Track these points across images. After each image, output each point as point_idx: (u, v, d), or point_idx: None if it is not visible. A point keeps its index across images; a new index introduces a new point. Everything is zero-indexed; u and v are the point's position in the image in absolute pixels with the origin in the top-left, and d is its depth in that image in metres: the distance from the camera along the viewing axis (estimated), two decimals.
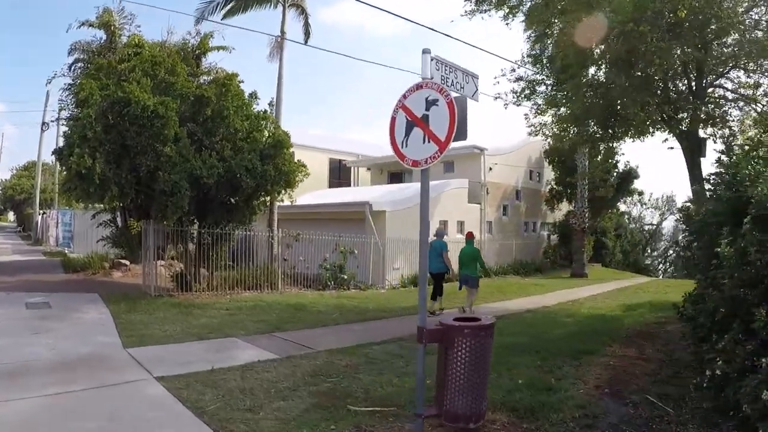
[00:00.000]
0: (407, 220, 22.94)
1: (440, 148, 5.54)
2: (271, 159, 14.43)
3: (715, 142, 16.79)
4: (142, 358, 8.00)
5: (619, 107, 14.87)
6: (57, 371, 7.16)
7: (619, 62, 13.75)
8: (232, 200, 14.97)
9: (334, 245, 18.85)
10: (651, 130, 16.39)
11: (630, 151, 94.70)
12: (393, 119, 5.89)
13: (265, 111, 15.70)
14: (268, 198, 16.07)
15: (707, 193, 7.61)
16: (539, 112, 18.46)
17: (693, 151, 16.31)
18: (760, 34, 13.50)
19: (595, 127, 17.16)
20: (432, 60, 5.73)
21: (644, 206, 44.30)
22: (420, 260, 5.85)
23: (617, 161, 33.62)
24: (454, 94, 5.52)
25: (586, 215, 31.18)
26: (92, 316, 11.35)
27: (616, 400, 6.65)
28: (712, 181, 6.82)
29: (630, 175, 34.09)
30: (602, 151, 18.34)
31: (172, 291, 14.55)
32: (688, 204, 8.18)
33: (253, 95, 15.37)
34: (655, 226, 47.18)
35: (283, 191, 15.26)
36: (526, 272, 29.39)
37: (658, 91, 15.00)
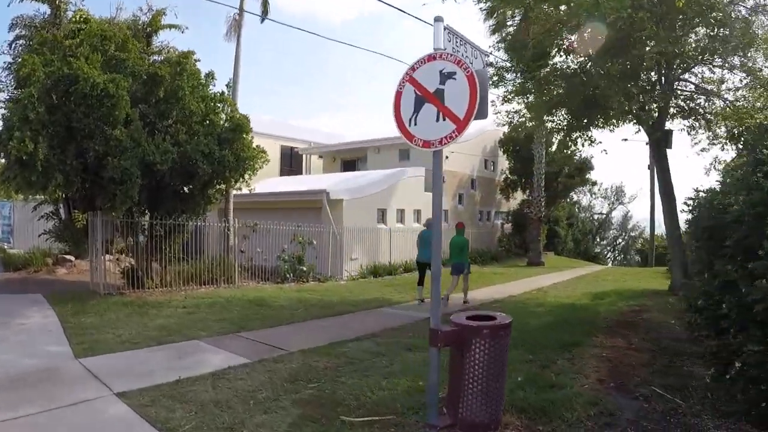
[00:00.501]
0: (364, 209, 22.30)
1: (458, 128, 4.88)
2: (229, 144, 13.46)
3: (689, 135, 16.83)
4: (98, 369, 7.07)
5: (598, 96, 14.47)
6: None
7: (611, 50, 13.25)
8: (186, 189, 14.00)
9: (292, 236, 17.98)
10: (624, 120, 16.09)
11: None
12: (398, 94, 5.18)
13: (222, 92, 14.67)
14: (224, 186, 15.10)
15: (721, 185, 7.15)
16: (506, 99, 17.96)
17: (659, 142, 16.20)
18: (727, 31, 13.36)
19: (567, 116, 16.83)
20: (444, 30, 5.03)
21: (593, 196, 44.78)
22: (433, 256, 5.15)
23: (573, 151, 33.68)
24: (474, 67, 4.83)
25: (542, 204, 31.06)
26: (37, 321, 10.28)
27: (625, 394, 6.34)
28: (742, 172, 6.34)
29: (585, 165, 34.19)
30: (576, 141, 17.75)
31: (123, 288, 13.46)
32: (700, 194, 7.69)
33: (210, 75, 14.32)
34: (604, 216, 47.77)
35: (241, 179, 14.29)
36: (483, 261, 29.06)
37: (640, 81, 14.68)
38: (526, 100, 17.25)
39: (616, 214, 48.23)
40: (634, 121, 16.40)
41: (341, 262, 20.23)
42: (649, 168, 32.86)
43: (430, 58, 4.95)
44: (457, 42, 5.24)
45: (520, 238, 33.94)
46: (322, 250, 19.25)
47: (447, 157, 28.52)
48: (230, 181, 14.14)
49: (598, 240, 45.50)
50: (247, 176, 14.30)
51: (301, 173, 33.85)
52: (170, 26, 15.43)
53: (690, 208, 8.45)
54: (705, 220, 6.54)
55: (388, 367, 7.59)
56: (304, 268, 17.91)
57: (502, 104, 18.51)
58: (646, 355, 8.29)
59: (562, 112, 17.10)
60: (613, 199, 47.65)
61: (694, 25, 13.33)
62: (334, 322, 11.40)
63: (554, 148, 32.47)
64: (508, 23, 17.19)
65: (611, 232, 47.43)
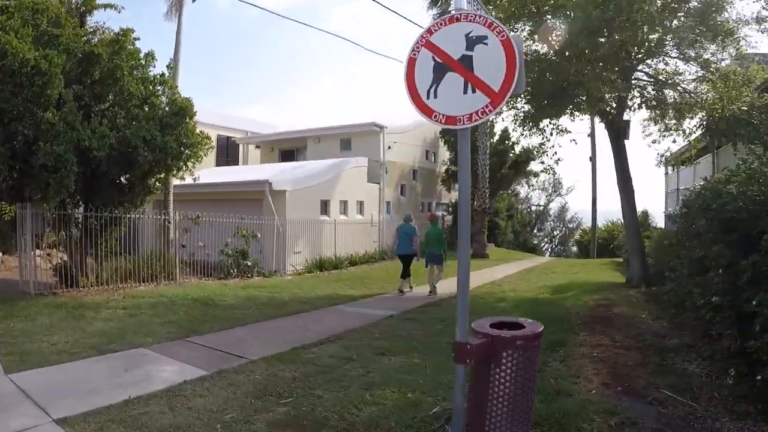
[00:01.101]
0: (307, 201, 21.44)
1: (493, 102, 4.16)
2: (172, 129, 12.35)
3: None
4: (31, 388, 6.02)
5: (570, 83, 14.01)
6: None
7: (594, 34, 12.71)
8: (123, 178, 12.80)
9: (236, 229, 16.94)
10: (595, 108, 15.67)
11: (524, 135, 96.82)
12: (411, 61, 4.44)
13: (163, 74, 13.47)
14: (165, 176, 13.95)
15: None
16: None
17: (618, 133, 15.97)
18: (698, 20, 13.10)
19: (533, 104, 16.37)
20: None
21: (531, 188, 45.07)
22: (459, 255, 4.40)
23: (514, 142, 33.60)
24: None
25: (487, 195, 30.81)
26: None
27: (636, 399, 5.90)
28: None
29: (528, 156, 34.19)
30: (544, 130, 17.30)
31: (56, 287, 12.19)
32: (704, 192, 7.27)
33: (150, 56, 13.05)
34: (542, 207, 48.24)
35: (184, 167, 13.18)
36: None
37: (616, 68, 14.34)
38: None
39: (554, 206, 48.97)
40: (596, 111, 16.06)
41: (284, 255, 19.29)
42: (590, 160, 33.15)
43: (452, 19, 4.24)
44: (475, 6, 4.52)
45: None
46: (266, 244, 18.27)
47: (389, 147, 28.03)
48: (173, 169, 13.02)
49: (535, 231, 45.92)
50: (190, 164, 13.20)
51: (237, 164, 32.46)
52: (105, 6, 14.08)
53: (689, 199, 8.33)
54: (721, 212, 6.03)
55: (364, 375, 6.87)
56: (249, 263, 16.91)
57: None
58: (636, 354, 7.87)
59: (524, 101, 16.63)
60: (550, 191, 48.28)
61: (672, 10, 12.93)
62: (291, 322, 10.56)
63: (496, 138, 32.32)
64: None
65: (548, 223, 47.90)
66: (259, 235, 17.57)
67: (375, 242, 25.96)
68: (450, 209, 35.12)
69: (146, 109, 12.39)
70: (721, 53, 13.83)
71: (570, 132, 18.07)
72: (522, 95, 15.86)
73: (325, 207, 23.04)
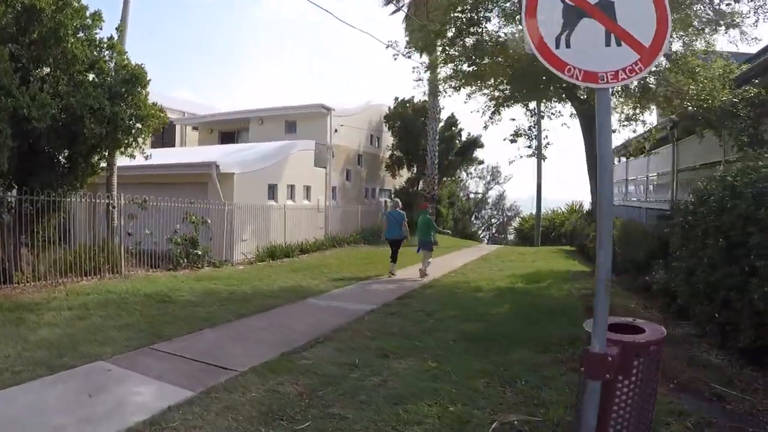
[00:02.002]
0: (255, 185, 19.92)
1: (643, 59, 3.11)
2: (123, 99, 10.65)
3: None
4: None
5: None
6: None
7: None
8: (63, 157, 11.02)
9: (184, 214, 15.28)
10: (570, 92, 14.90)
11: (467, 122, 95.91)
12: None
13: (111, 37, 11.63)
14: (112, 153, 12.16)
15: None
16: (429, 68, 16.44)
17: (591, 122, 15.37)
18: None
19: (504, 87, 15.56)
20: None
21: (469, 176, 44.50)
22: (599, 255, 3.26)
23: (461, 129, 32.85)
24: None
25: (436, 182, 29.84)
26: None
27: (694, 395, 5.51)
28: None
29: (475, 143, 33.44)
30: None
31: None
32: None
33: (97, 16, 11.13)
34: (480, 195, 47.83)
35: (135, 143, 11.47)
36: (374, 240, 27.39)
37: None
38: (458, 68, 15.73)
39: (492, 194, 48.66)
40: (565, 95, 15.42)
41: (232, 243, 17.71)
42: (536, 148, 32.53)
43: None
44: None
45: (407, 216, 32.60)
46: (215, 231, 16.65)
47: (336, 131, 26.69)
48: (121, 145, 11.29)
49: (473, 219, 45.51)
50: (141, 140, 11.51)
51: (174, 146, 30.16)
52: None
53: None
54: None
55: (382, 386, 5.81)
56: (199, 252, 15.30)
57: (426, 71, 16.94)
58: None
59: (494, 83, 15.81)
60: (488, 179, 47.94)
61: None
62: (265, 321, 9.23)
63: (441, 125, 31.40)
64: None
65: (486, 211, 47.63)
66: (209, 221, 15.96)
67: (321, 229, 24.57)
68: (393, 195, 34.00)
69: (93, 75, 10.59)
70: (689, 47, 13.55)
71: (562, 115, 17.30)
72: (501, 77, 15.12)
73: (272, 192, 21.53)
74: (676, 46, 13.55)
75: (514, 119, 18.41)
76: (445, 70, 16.60)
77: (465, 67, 15.79)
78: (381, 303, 11.05)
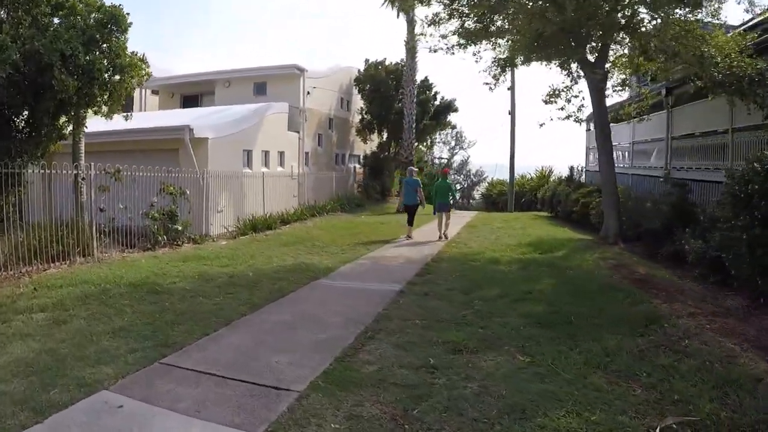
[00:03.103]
0: (230, 150, 17.89)
1: None
2: (99, 45, 8.40)
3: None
4: None
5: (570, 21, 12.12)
6: None
7: None
8: (20, 119, 8.75)
9: (160, 185, 13.09)
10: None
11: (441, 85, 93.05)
12: None
13: None
14: (83, 112, 9.85)
15: None
16: (432, 23, 14.75)
17: (600, 95, 14.75)
18: None
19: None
20: None
21: (434, 142, 42.41)
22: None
23: (436, 93, 30.94)
24: None
25: (413, 147, 28.00)
26: None
27: None
28: None
29: (449, 107, 31.62)
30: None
31: None
32: None
33: None
34: (446, 160, 46.07)
35: (112, 100, 9.25)
36: (350, 208, 25.51)
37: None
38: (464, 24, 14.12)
39: (457, 159, 46.86)
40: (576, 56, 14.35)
41: (206, 214, 15.59)
42: (509, 114, 30.96)
43: None
44: None
45: (379, 182, 30.71)
46: (194, 203, 14.49)
47: (309, 93, 24.49)
48: (97, 102, 9.05)
49: None
50: (120, 96, 9.31)
51: (131, 111, 27.14)
52: None
53: None
54: None
55: (486, 393, 4.73)
56: (179, 227, 13.16)
57: (429, 26, 15.08)
58: (735, 321, 6.94)
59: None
60: (452, 144, 46.14)
61: None
62: (286, 312, 7.44)
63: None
64: None
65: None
66: (188, 192, 13.80)
67: (295, 197, 22.51)
68: (365, 161, 32.05)
69: (62, 15, 8.28)
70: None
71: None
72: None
73: (247, 158, 19.39)
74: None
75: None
76: (446, 27, 14.92)
77: (470, 23, 14.28)
78: (403, 281, 9.64)
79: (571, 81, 15.13)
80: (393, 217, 23.13)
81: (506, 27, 13.90)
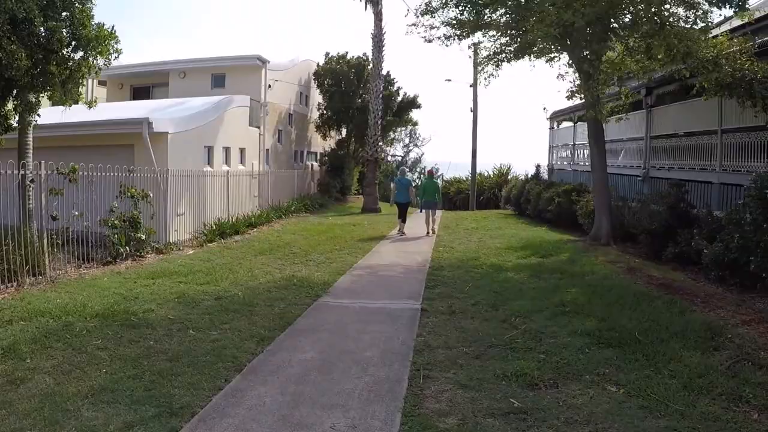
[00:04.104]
0: (191, 146, 16.00)
1: None
2: (59, 12, 6.50)
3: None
4: None
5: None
6: None
7: None
8: None
9: (120, 186, 11.14)
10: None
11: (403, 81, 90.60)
12: None
13: None
14: (36, 96, 7.85)
15: None
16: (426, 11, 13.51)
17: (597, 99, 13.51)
18: None
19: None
20: None
21: (395, 138, 40.94)
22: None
23: (399, 88, 29.52)
24: None
25: (379, 144, 26.45)
26: None
27: None
28: None
29: (412, 103, 30.21)
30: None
31: None
32: None
33: None
34: (401, 158, 44.71)
35: (72, 82, 7.34)
36: (313, 208, 23.77)
37: None
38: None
39: (410, 156, 45.47)
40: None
41: (166, 219, 13.65)
42: (471, 111, 29.74)
43: None
44: None
45: (339, 181, 28.99)
46: (157, 207, 12.55)
47: (270, 86, 22.64)
48: (55, 83, 7.11)
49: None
50: (79, 77, 7.39)
51: (76, 103, 24.53)
52: None
53: None
54: None
55: None
56: (142, 236, 11.22)
57: (420, 16, 13.72)
58: None
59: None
60: (407, 142, 44.73)
61: None
62: (306, 348, 5.85)
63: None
64: None
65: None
66: (151, 195, 11.87)
67: (256, 197, 20.64)
68: (326, 158, 30.29)
69: None
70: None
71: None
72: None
73: (208, 155, 17.48)
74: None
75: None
76: (445, 14, 13.62)
77: (466, 15, 13.09)
78: (417, 296, 8.48)
79: (581, 78, 13.86)
80: (360, 218, 21.60)
81: (514, 19, 12.64)
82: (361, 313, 7.37)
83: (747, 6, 10.93)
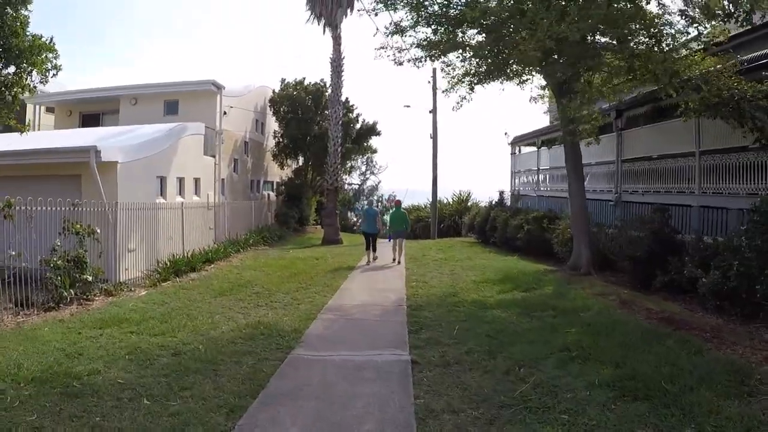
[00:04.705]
0: (143, 177, 14.89)
1: None
2: None
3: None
4: None
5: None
6: None
7: None
8: None
9: (63, 222, 9.95)
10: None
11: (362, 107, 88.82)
12: None
13: None
14: None
15: None
16: (397, 31, 12.89)
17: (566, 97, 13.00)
18: None
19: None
20: None
21: (353, 166, 40.05)
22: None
23: (358, 114, 28.80)
24: None
25: (340, 172, 25.56)
26: None
27: None
28: None
29: (372, 130, 29.50)
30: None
31: None
32: None
33: None
34: (358, 186, 43.80)
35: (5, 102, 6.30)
36: (272, 240, 22.66)
37: None
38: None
39: (368, 184, 44.61)
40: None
41: (116, 256, 12.44)
42: (431, 137, 29.17)
43: None
44: None
45: (297, 211, 27.90)
46: (105, 243, 11.35)
47: (225, 113, 21.64)
48: None
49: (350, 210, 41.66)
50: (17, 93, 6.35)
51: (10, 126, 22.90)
52: None
53: None
54: None
55: None
56: (89, 277, 10.02)
57: (390, 36, 13.09)
58: None
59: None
60: (364, 170, 43.85)
61: None
62: (288, 420, 4.93)
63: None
64: None
65: (361, 202, 43.70)
66: (98, 231, 10.71)
67: (211, 229, 19.45)
68: (283, 188, 29.22)
69: None
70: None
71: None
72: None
73: (161, 186, 16.31)
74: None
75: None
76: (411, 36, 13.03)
77: (438, 36, 12.55)
78: (400, 343, 7.64)
79: (558, 101, 13.39)
80: (322, 251, 20.59)
81: (494, 38, 12.04)
82: (344, 369, 6.44)
83: (752, 20, 10.61)
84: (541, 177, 23.64)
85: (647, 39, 11.40)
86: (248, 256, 17.93)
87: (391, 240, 17.19)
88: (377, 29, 15.16)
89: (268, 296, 10.94)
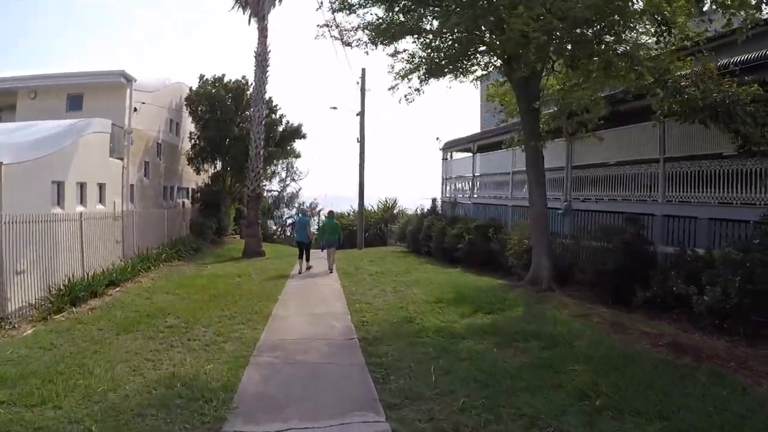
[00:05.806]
0: (34, 181, 12.62)
1: None
2: None
3: None
4: None
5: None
6: None
7: None
8: None
9: None
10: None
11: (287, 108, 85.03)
12: None
13: None
14: None
15: None
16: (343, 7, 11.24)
17: (535, 121, 12.78)
18: None
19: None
20: None
21: (275, 171, 37.83)
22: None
23: (282, 116, 26.78)
24: None
25: (262, 178, 23.46)
26: None
27: None
28: None
29: (296, 132, 27.53)
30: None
31: None
32: None
33: None
34: (278, 193, 41.45)
35: None
36: (186, 254, 20.34)
37: None
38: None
39: (287, 191, 42.30)
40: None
41: (5, 282, 10.14)
42: (358, 141, 27.56)
43: None
44: None
45: (214, 220, 25.50)
46: None
47: (136, 110, 19.25)
48: None
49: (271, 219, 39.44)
50: None
51: None
52: None
53: None
54: None
55: None
56: None
57: (334, 13, 11.61)
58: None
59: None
60: (284, 177, 41.55)
61: None
62: None
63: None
64: None
65: (281, 210, 41.54)
66: None
67: (119, 242, 17.04)
68: (198, 195, 26.78)
69: None
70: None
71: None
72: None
73: (58, 192, 13.89)
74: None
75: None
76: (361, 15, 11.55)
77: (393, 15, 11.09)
78: (368, 399, 6.02)
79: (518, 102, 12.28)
80: (244, 265, 18.60)
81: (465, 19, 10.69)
82: None
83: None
84: (477, 184, 22.68)
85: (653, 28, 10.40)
86: (160, 274, 15.74)
87: (324, 250, 17.31)
88: (321, 3, 13.43)
89: (185, 331, 8.97)
